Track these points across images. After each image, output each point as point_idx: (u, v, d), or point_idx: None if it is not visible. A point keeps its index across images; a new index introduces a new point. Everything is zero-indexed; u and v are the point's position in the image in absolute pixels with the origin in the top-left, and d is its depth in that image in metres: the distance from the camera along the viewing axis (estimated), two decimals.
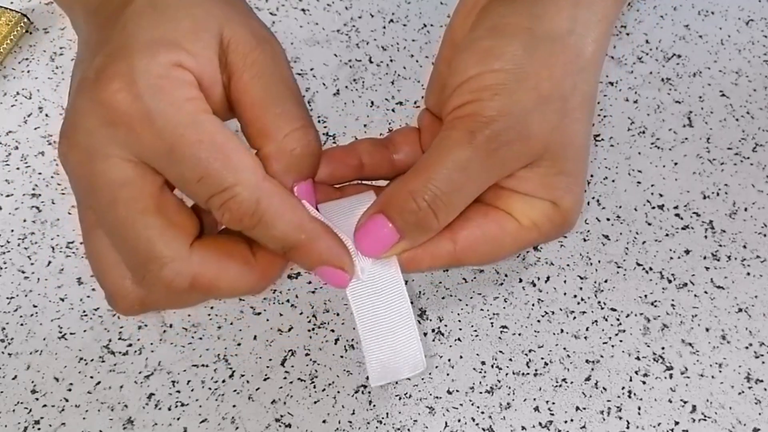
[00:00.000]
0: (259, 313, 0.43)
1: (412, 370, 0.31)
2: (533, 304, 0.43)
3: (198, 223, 0.29)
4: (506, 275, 0.44)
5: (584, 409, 0.40)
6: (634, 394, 0.40)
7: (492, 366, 0.41)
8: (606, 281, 0.44)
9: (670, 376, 0.41)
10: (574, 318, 0.43)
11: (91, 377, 0.41)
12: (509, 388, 0.41)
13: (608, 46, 0.32)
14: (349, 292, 0.31)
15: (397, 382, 0.40)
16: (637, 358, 0.41)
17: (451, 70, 0.30)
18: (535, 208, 0.31)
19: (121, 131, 0.26)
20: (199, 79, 0.27)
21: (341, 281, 0.30)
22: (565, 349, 0.42)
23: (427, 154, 0.29)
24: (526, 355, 0.41)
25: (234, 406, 0.40)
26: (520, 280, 0.44)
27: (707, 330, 0.42)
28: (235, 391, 0.40)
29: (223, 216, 0.27)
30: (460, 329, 0.42)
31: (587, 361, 0.41)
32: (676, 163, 0.48)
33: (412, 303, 0.43)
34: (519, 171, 0.30)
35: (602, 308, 0.43)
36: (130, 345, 0.42)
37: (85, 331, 0.42)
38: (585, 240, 0.45)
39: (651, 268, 0.44)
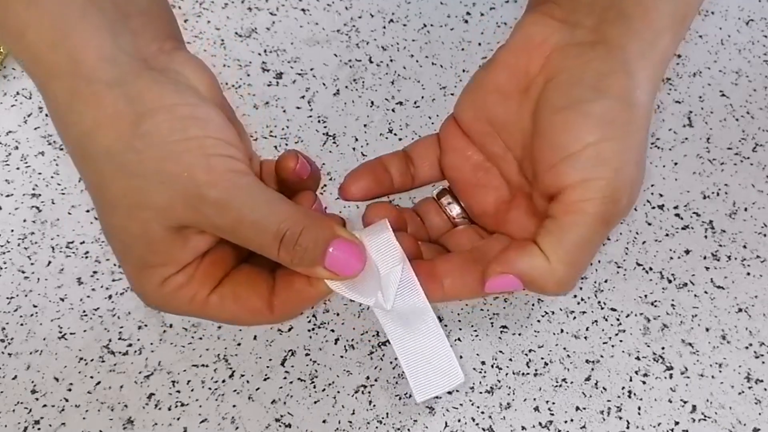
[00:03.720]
0: None
1: (452, 383, 0.34)
2: (533, 304, 0.43)
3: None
4: None
5: (584, 409, 0.40)
6: (634, 394, 0.40)
7: (492, 366, 0.41)
8: (606, 281, 0.44)
9: (670, 376, 0.41)
10: (574, 318, 0.43)
11: (91, 377, 0.41)
12: (509, 388, 0.41)
13: None
14: (383, 323, 0.33)
15: (397, 383, 0.40)
16: (637, 358, 0.41)
17: (553, 129, 0.31)
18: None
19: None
20: (180, 268, 0.31)
21: (357, 260, 0.31)
22: (565, 349, 0.42)
23: (558, 231, 0.31)
24: (526, 355, 0.41)
25: (234, 406, 0.40)
26: None
27: (707, 330, 0.42)
28: (235, 391, 0.40)
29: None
30: (460, 329, 0.42)
31: (587, 361, 0.41)
32: (676, 163, 0.48)
33: None
34: None
35: (602, 308, 0.43)
36: (130, 345, 0.42)
37: (85, 331, 0.42)
38: None
39: (651, 268, 0.44)
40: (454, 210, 0.37)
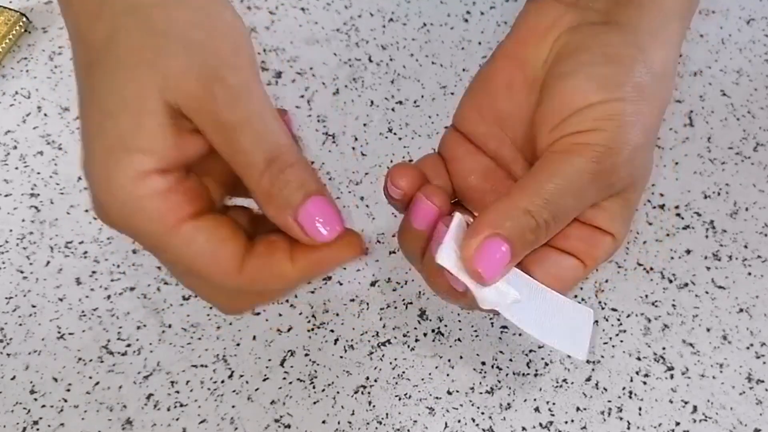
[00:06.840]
0: (258, 314, 0.43)
1: (588, 319, 0.32)
2: None
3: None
4: None
5: (585, 409, 0.40)
6: (635, 395, 0.40)
7: (492, 366, 0.41)
8: (606, 281, 0.44)
9: (671, 376, 0.41)
10: None
11: (90, 377, 0.41)
12: (509, 388, 0.40)
13: None
14: (510, 316, 0.30)
15: (397, 383, 0.40)
16: (638, 359, 0.41)
17: (557, 93, 0.30)
18: (598, 247, 0.32)
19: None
20: (163, 168, 0.27)
21: (334, 223, 0.28)
22: None
23: (540, 172, 0.29)
24: (526, 355, 0.41)
25: (233, 406, 0.40)
26: None
27: (708, 330, 0.42)
28: (234, 391, 0.40)
29: None
30: (460, 329, 0.42)
31: (588, 361, 0.41)
32: (677, 163, 0.48)
33: (411, 303, 0.43)
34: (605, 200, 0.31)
35: (603, 308, 0.43)
36: (128, 345, 0.41)
37: (83, 331, 0.42)
38: None
39: (652, 268, 0.44)
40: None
